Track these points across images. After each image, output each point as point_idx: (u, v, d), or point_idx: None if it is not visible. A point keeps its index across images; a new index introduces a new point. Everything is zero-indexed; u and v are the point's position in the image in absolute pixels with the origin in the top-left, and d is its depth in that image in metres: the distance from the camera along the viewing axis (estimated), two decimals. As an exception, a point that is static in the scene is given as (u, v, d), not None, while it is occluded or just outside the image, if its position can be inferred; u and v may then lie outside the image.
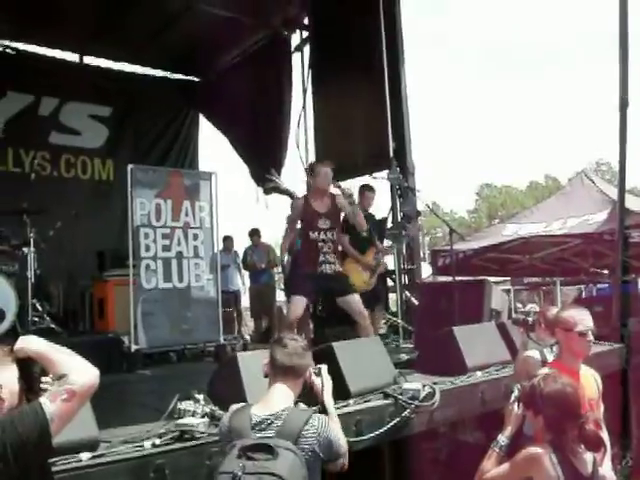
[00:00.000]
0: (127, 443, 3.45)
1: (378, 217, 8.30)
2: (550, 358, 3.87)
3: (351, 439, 3.84)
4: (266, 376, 3.03)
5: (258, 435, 2.70)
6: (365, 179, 9.06)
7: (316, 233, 5.91)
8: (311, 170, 6.18)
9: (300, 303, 5.97)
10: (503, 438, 3.18)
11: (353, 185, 7.26)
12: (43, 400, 2.19)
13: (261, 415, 2.77)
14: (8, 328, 6.66)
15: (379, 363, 4.99)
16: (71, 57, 11.50)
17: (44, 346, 2.36)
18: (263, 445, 2.60)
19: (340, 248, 6.68)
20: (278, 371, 2.94)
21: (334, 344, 4.68)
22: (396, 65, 8.97)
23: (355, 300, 6.04)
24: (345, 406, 4.32)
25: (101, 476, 3.15)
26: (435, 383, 4.81)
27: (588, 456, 2.93)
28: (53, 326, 7.26)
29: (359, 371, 4.61)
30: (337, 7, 9.65)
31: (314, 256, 5.93)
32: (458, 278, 7.46)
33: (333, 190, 6.02)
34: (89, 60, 11.65)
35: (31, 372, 2.32)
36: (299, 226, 6.33)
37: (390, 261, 8.54)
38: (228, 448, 2.67)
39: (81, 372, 2.30)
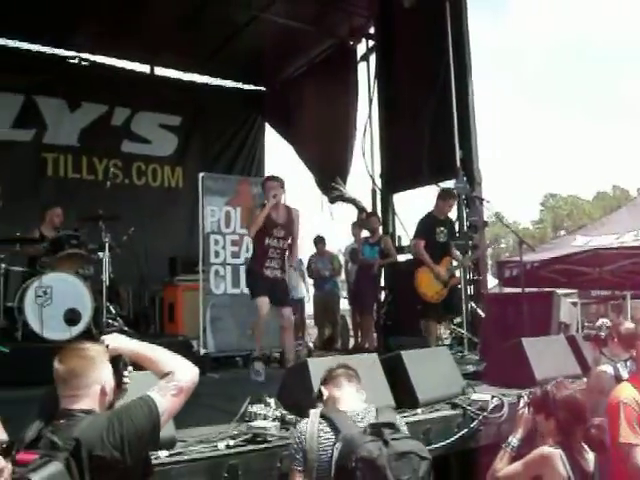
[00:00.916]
0: (202, 443, 3.55)
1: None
2: (624, 374, 3.81)
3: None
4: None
5: (360, 425, 2.80)
6: (431, 189, 9.09)
7: (269, 239, 6.36)
8: (263, 185, 6.59)
9: (263, 302, 6.29)
10: (514, 439, 3.38)
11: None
12: (153, 395, 2.30)
13: (355, 410, 2.91)
14: (84, 329, 6.90)
15: (447, 373, 4.99)
16: (142, 68, 11.80)
17: (138, 344, 2.51)
18: (385, 424, 2.77)
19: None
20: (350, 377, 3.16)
21: (402, 352, 4.71)
22: (462, 73, 8.91)
23: (285, 311, 6.46)
24: (414, 415, 4.35)
25: (179, 474, 3.26)
26: (503, 395, 4.77)
27: (590, 455, 3.14)
28: (125, 328, 7.45)
29: (427, 380, 4.64)
30: (403, 16, 9.66)
31: (263, 260, 6.37)
32: (526, 290, 7.35)
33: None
34: (159, 71, 11.93)
35: (119, 368, 2.42)
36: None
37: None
38: (342, 436, 2.74)
39: (186, 369, 2.44)
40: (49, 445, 2.08)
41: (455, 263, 7.39)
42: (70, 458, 2.03)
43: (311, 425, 2.86)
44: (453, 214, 8.98)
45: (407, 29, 9.65)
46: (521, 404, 3.52)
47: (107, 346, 2.40)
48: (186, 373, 2.43)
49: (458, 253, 7.53)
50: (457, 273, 7.60)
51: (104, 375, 2.32)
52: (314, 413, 2.91)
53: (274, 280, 6.37)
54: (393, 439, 2.67)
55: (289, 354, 6.52)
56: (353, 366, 3.96)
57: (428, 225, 7.24)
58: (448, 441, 4.27)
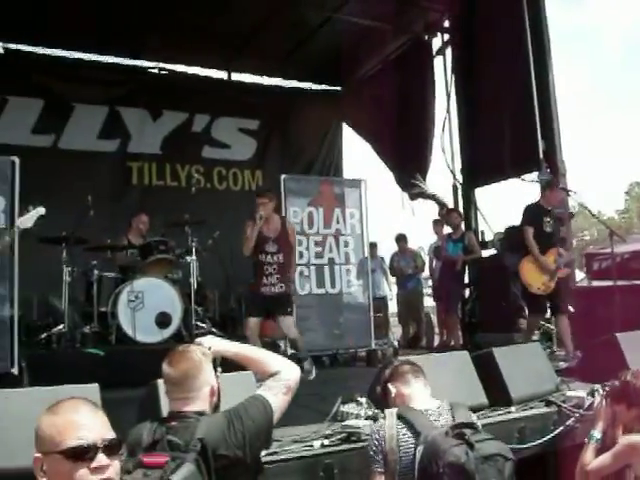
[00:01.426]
0: (297, 442, 3.60)
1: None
2: None
3: (515, 446, 3.82)
4: None
5: (439, 424, 2.79)
6: (514, 182, 8.92)
7: (263, 255, 6.39)
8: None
9: (250, 324, 6.44)
10: (596, 432, 3.40)
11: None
12: (265, 394, 2.40)
13: (428, 408, 2.88)
14: (174, 332, 7.09)
15: (540, 369, 4.90)
16: (220, 74, 11.97)
17: (238, 346, 2.61)
18: (465, 424, 2.74)
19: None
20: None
21: (494, 349, 4.64)
22: (542, 63, 8.68)
23: (285, 320, 6.50)
24: (508, 413, 4.29)
25: (277, 472, 3.31)
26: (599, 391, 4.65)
27: None
28: (213, 330, 7.61)
29: (520, 377, 4.56)
30: (478, 8, 9.52)
31: (261, 277, 6.42)
32: (618, 282, 7.11)
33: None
34: (236, 76, 12.09)
35: (215, 369, 2.50)
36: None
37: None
38: (423, 438, 2.71)
39: (291, 369, 2.54)
40: (171, 447, 2.15)
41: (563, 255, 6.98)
42: (199, 459, 2.10)
43: (389, 426, 2.84)
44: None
45: (483, 20, 9.48)
46: (597, 397, 3.60)
47: (209, 348, 2.48)
48: (292, 372, 2.54)
49: (566, 246, 7.27)
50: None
51: (211, 377, 2.41)
52: (390, 413, 2.90)
53: (272, 295, 6.40)
54: (477, 441, 2.64)
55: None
56: (443, 364, 3.95)
57: (536, 213, 6.98)
58: (544, 439, 4.18)
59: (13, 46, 9.96)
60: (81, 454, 1.67)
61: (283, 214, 7.44)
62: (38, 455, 1.72)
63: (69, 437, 1.69)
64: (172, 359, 2.39)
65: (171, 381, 2.37)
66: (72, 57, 10.48)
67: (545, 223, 6.91)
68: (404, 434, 2.79)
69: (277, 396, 2.43)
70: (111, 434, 1.77)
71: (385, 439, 2.81)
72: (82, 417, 1.75)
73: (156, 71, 11.21)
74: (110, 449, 1.72)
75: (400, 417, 2.84)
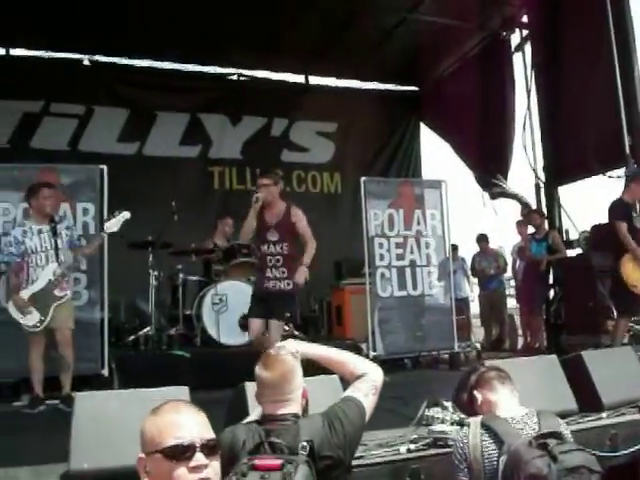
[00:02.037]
0: (382, 447, 3.59)
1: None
2: None
3: (606, 454, 3.71)
4: None
5: (525, 433, 2.71)
6: (599, 179, 8.67)
7: (265, 246, 5.72)
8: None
9: (253, 325, 5.74)
10: None
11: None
12: (356, 395, 2.46)
13: (514, 416, 2.81)
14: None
15: (632, 374, 4.71)
16: (297, 79, 12.09)
17: (324, 348, 2.65)
18: (550, 433, 2.64)
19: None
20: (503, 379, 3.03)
21: (583, 353, 4.53)
22: (627, 55, 8.37)
23: (276, 326, 5.63)
24: (598, 419, 4.17)
25: (363, 476, 3.32)
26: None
27: None
28: (296, 332, 7.69)
29: (611, 382, 4.41)
30: (559, 1, 9.28)
31: (264, 271, 5.75)
32: None
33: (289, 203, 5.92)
34: (314, 80, 12.17)
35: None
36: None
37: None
38: (506, 448, 2.64)
39: (376, 370, 2.60)
40: (274, 449, 2.21)
41: None
42: (309, 460, 2.15)
43: (473, 435, 2.77)
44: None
45: (563, 14, 9.24)
46: None
47: (297, 352, 2.52)
48: (378, 373, 2.60)
49: None
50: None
51: (302, 379, 2.47)
52: (474, 422, 2.83)
53: (274, 292, 5.68)
54: (561, 452, 2.52)
55: None
56: (531, 368, 3.87)
57: (623, 209, 6.62)
58: (637, 447, 4.02)
59: (98, 58, 10.34)
60: (180, 453, 1.71)
61: (364, 216, 7.45)
62: (142, 456, 1.77)
63: (168, 436, 1.73)
64: (267, 363, 2.44)
65: (267, 385, 2.41)
66: (154, 67, 10.80)
67: (634, 218, 6.58)
68: (488, 443, 2.72)
69: (368, 397, 2.49)
70: (210, 435, 1.80)
71: (469, 448, 2.76)
72: (181, 417, 1.79)
73: (235, 77, 11.41)
74: (209, 449, 1.75)
75: (484, 426, 2.78)
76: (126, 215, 5.79)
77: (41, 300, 5.44)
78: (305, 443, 2.18)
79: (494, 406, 2.93)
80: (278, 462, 2.12)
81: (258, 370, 2.45)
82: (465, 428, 2.88)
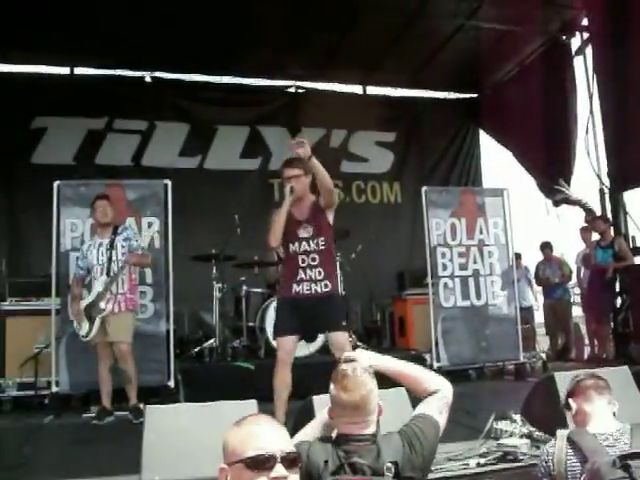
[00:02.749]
0: (451, 461, 3.57)
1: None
2: None
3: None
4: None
5: (613, 451, 2.61)
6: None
7: (297, 244, 4.92)
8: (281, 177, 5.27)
9: (285, 344, 4.88)
10: None
11: None
12: (431, 413, 2.45)
13: (604, 433, 2.71)
14: (321, 345, 7.20)
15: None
16: (354, 89, 12.09)
17: (394, 362, 2.66)
18: (636, 454, 2.51)
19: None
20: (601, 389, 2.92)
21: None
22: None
23: (338, 337, 4.87)
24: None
25: (435, 492, 3.30)
26: None
27: None
28: (359, 343, 7.69)
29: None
30: (619, 2, 9.10)
31: (293, 273, 4.92)
32: None
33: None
34: (371, 90, 12.16)
35: None
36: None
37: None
38: (589, 465, 2.55)
39: (448, 386, 2.57)
40: (355, 470, 2.21)
41: None
42: None
43: (559, 449, 2.70)
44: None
45: (625, 16, 9.04)
46: None
47: (370, 366, 2.51)
48: (449, 389, 2.56)
49: None
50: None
51: (377, 397, 2.43)
52: (561, 436, 2.75)
53: (311, 299, 4.84)
54: None
55: None
56: (602, 380, 3.75)
57: None
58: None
59: (159, 75, 10.56)
60: (261, 463, 1.75)
61: (425, 226, 7.42)
62: (224, 466, 1.83)
63: (250, 447, 1.78)
64: (346, 385, 2.37)
65: (346, 406, 2.37)
66: (213, 82, 10.98)
67: None
68: (573, 459, 2.66)
69: (442, 415, 2.47)
70: (291, 448, 1.84)
71: (554, 463, 2.70)
72: (262, 429, 1.84)
73: (293, 90, 11.49)
74: (289, 462, 1.79)
75: (570, 440, 2.70)
76: (154, 229, 6.34)
77: (91, 312, 5.66)
78: (390, 464, 2.18)
79: (588, 417, 2.86)
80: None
81: (336, 391, 2.40)
82: (552, 441, 2.81)
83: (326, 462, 2.26)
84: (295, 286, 4.85)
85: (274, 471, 1.75)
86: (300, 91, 11.54)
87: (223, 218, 8.08)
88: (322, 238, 4.92)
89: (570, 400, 2.98)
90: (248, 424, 1.87)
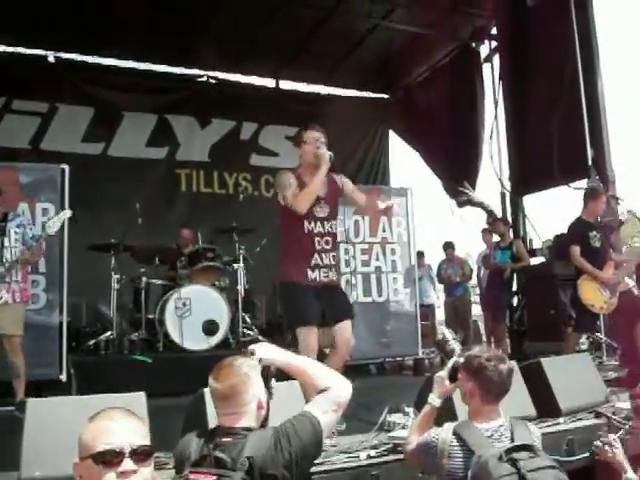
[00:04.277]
0: (343, 453, 3.57)
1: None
2: None
3: (562, 458, 3.75)
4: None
5: (498, 445, 2.65)
6: (563, 190, 8.78)
7: (312, 223, 4.36)
8: (298, 140, 4.59)
9: (309, 334, 4.31)
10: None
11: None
12: (314, 411, 2.34)
13: (490, 428, 2.74)
14: (221, 339, 7.13)
15: (589, 380, 4.80)
16: (267, 83, 12.03)
17: (291, 356, 2.57)
18: (522, 446, 2.59)
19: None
20: (492, 392, 2.85)
21: (542, 360, 4.58)
22: (591, 68, 8.52)
23: (350, 327, 4.49)
24: (556, 424, 4.21)
25: (323, 483, 3.29)
26: (649, 402, 4.53)
27: None
28: (261, 337, 7.64)
29: (569, 388, 4.48)
30: (527, 14, 9.40)
31: (307, 257, 4.36)
32: (670, 291, 6.94)
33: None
34: (284, 84, 12.13)
35: (268, 380, 2.45)
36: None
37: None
38: (475, 459, 2.58)
39: (343, 385, 2.47)
40: (218, 464, 2.13)
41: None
42: (245, 478, 2.08)
43: (442, 441, 2.73)
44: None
45: (531, 27, 9.35)
46: None
47: (260, 360, 2.44)
48: (344, 389, 2.45)
49: (619, 256, 6.87)
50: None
51: (259, 390, 2.36)
52: (447, 428, 2.78)
53: (327, 287, 4.41)
54: (531, 470, 2.46)
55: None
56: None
57: (579, 230, 6.59)
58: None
59: (64, 55, 10.15)
60: (109, 459, 1.75)
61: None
62: (76, 461, 1.82)
63: (99, 442, 1.77)
64: (218, 374, 2.33)
65: (218, 396, 2.31)
66: (122, 66, 10.66)
67: (592, 238, 6.51)
68: (457, 451, 2.68)
69: (326, 414, 2.35)
70: (142, 441, 1.82)
71: (437, 453, 2.73)
72: (113, 423, 1.82)
73: (205, 79, 11.31)
74: (138, 455, 1.78)
75: (456, 433, 2.73)
76: (67, 213, 5.53)
77: None
78: (245, 459, 2.12)
79: (478, 403, 2.84)
80: (211, 478, 2.07)
81: (210, 380, 2.34)
82: (438, 429, 2.83)
83: (190, 453, 2.20)
84: (310, 272, 4.32)
85: (122, 466, 1.75)
86: (212, 81, 11.37)
87: (125, 207, 7.86)
88: (335, 221, 4.52)
89: (466, 374, 2.93)
90: (100, 419, 1.85)
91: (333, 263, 4.42)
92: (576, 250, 6.41)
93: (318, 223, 4.35)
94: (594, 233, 6.54)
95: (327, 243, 4.39)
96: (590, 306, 6.39)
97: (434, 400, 3.14)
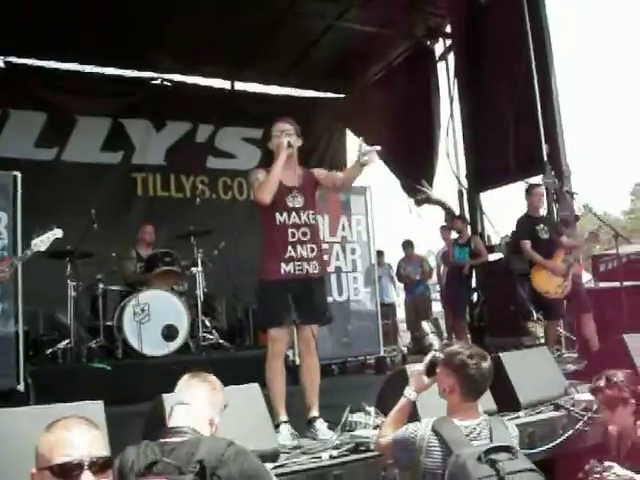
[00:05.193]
0: (305, 454, 3.57)
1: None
2: None
3: (524, 451, 3.78)
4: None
5: (476, 443, 2.64)
6: (518, 185, 8.89)
7: (285, 214, 4.25)
8: (268, 135, 4.68)
9: (280, 336, 4.22)
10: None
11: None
12: None
13: (469, 426, 2.73)
14: (181, 344, 7.07)
15: (548, 373, 4.87)
16: (223, 84, 11.95)
17: None
18: (501, 447, 2.57)
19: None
20: (473, 390, 2.83)
21: (501, 354, 4.61)
22: (545, 66, 8.66)
23: (311, 330, 4.29)
24: (516, 418, 4.26)
25: (285, 486, 3.27)
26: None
27: None
28: (221, 341, 7.60)
29: (528, 382, 4.55)
30: (480, 13, 9.51)
31: (281, 249, 4.20)
32: (624, 283, 7.09)
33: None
34: (240, 86, 12.06)
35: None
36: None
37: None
38: (454, 457, 2.56)
39: None
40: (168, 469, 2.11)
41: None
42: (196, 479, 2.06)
43: (420, 437, 2.72)
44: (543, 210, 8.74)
45: (485, 25, 9.49)
46: None
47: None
48: None
49: (570, 241, 7.09)
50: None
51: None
52: (426, 423, 2.77)
53: (302, 281, 4.21)
54: (510, 473, 2.46)
55: (311, 398, 4.31)
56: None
57: (527, 225, 7.05)
58: (553, 444, 4.16)
59: (14, 60, 9.94)
60: (67, 471, 1.73)
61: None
62: (33, 471, 1.79)
63: (57, 454, 1.74)
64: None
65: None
66: (74, 70, 10.47)
67: (539, 231, 6.96)
68: (435, 448, 2.67)
69: None
70: (101, 452, 1.80)
71: (415, 449, 2.72)
72: (72, 435, 1.79)
73: (159, 82, 11.19)
74: (97, 467, 1.76)
75: (434, 430, 2.71)
76: (57, 233, 5.21)
77: None
78: (196, 462, 2.10)
79: (457, 401, 2.82)
80: None
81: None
82: (416, 424, 2.81)
83: (132, 463, 2.17)
84: (284, 265, 4.15)
85: (81, 478, 1.72)
86: (166, 84, 11.24)
87: (81, 213, 7.67)
88: (312, 211, 4.36)
89: (447, 369, 2.88)
90: (57, 429, 1.82)
91: (312, 255, 4.25)
92: (526, 244, 6.84)
93: (293, 214, 4.23)
94: (541, 226, 6.98)
95: (304, 235, 4.24)
96: (545, 293, 6.76)
97: (410, 394, 3.14)
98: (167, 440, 2.24)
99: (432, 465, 2.65)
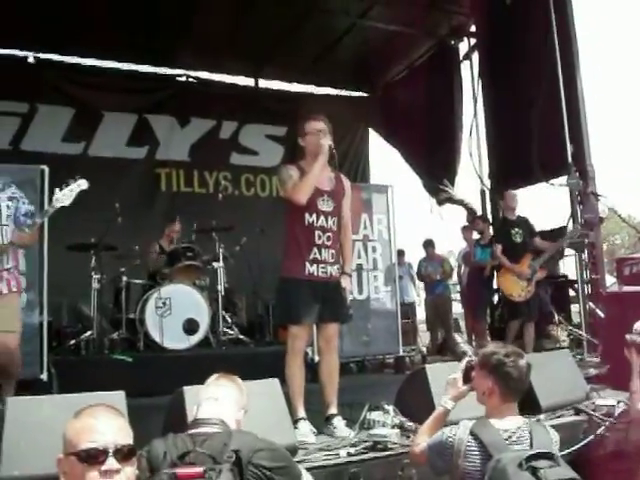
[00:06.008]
0: (323, 451, 3.59)
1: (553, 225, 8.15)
2: None
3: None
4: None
5: (516, 447, 2.59)
6: (542, 186, 8.85)
7: (315, 216, 4.23)
8: (300, 131, 4.56)
9: (303, 333, 4.26)
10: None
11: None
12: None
13: (508, 429, 2.67)
14: (202, 338, 7.13)
15: (570, 377, 4.84)
16: (247, 82, 12.01)
17: None
18: (543, 454, 2.52)
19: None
20: (512, 388, 2.80)
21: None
22: (570, 65, 8.58)
23: (334, 329, 4.40)
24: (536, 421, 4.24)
25: (301, 482, 3.29)
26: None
27: None
28: (241, 336, 7.64)
29: (549, 385, 4.50)
30: (505, 12, 9.44)
31: (306, 250, 4.21)
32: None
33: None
34: (263, 83, 12.12)
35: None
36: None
37: (571, 270, 8.29)
38: (494, 462, 2.50)
39: None
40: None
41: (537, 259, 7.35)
42: (233, 469, 2.10)
43: (459, 440, 2.67)
44: (565, 212, 8.71)
45: (509, 24, 9.40)
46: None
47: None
48: None
49: (543, 244, 7.51)
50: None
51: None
52: (464, 426, 2.71)
53: (327, 283, 4.25)
54: None
55: (330, 395, 4.31)
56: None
57: (502, 229, 7.66)
58: (573, 449, 4.09)
59: (44, 56, 10.09)
60: (92, 457, 1.77)
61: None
62: (60, 456, 1.84)
63: (83, 440, 1.79)
64: None
65: None
66: (102, 66, 10.60)
67: (513, 235, 7.36)
68: (474, 452, 2.62)
69: None
70: (126, 440, 1.85)
71: (453, 453, 2.66)
72: (98, 422, 1.84)
73: (184, 79, 11.27)
74: (122, 455, 1.80)
75: (473, 433, 2.65)
76: (82, 185, 4.73)
77: None
78: (232, 452, 2.12)
79: (496, 403, 2.79)
80: (195, 470, 2.06)
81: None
82: (454, 429, 2.75)
83: (165, 454, 2.18)
84: (309, 266, 4.17)
85: (106, 464, 1.76)
86: (191, 80, 11.33)
87: (106, 207, 7.77)
88: (337, 218, 4.33)
89: (484, 372, 2.85)
90: (85, 416, 1.86)
91: (332, 260, 4.26)
92: (498, 247, 7.38)
93: (322, 217, 4.22)
94: (515, 230, 7.39)
95: (328, 239, 4.24)
96: (509, 295, 7.28)
97: (447, 403, 3.08)
98: (197, 431, 2.27)
99: (472, 469, 2.60)
